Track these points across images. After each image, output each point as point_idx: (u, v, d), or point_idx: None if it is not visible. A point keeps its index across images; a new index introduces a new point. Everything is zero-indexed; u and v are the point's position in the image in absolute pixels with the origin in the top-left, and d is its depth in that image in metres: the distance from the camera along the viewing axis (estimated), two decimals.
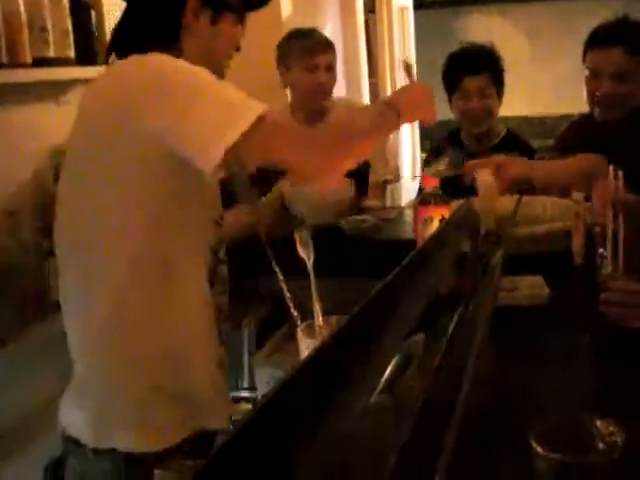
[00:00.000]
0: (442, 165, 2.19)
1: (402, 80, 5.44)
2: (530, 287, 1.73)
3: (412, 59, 5.54)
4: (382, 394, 0.86)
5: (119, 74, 1.49)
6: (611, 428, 0.86)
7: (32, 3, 2.28)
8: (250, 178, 2.41)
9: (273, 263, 1.32)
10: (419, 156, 4.89)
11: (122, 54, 1.51)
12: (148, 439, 1.46)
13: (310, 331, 1.35)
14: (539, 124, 6.44)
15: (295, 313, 1.20)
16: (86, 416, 1.49)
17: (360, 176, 2.68)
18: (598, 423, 0.87)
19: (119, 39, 1.59)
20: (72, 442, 1.52)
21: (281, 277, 1.25)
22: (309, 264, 1.26)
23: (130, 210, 1.43)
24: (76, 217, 1.49)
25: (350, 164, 1.55)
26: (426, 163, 3.12)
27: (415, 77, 1.93)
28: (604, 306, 1.41)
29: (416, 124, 5.45)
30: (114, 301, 1.45)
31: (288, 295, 1.22)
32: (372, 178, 2.87)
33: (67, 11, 2.43)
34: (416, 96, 1.77)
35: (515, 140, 2.98)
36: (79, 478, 1.54)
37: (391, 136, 2.56)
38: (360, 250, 2.36)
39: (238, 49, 1.66)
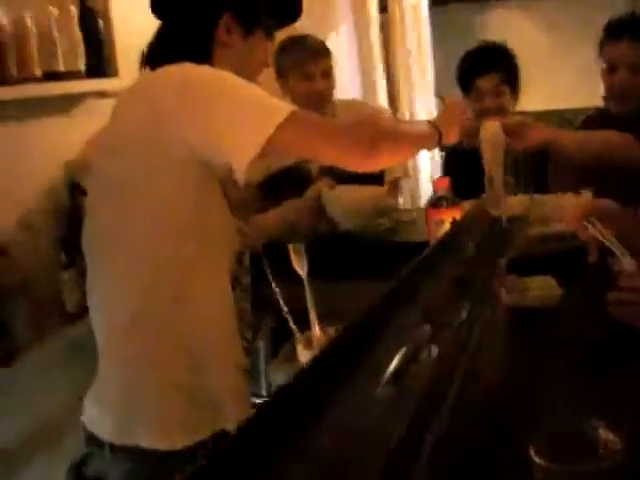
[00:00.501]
0: None
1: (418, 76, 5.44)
2: (541, 288, 1.71)
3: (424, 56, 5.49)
4: (386, 386, 0.86)
5: (152, 83, 1.54)
6: (611, 435, 0.85)
7: (41, 17, 2.30)
8: (284, 179, 2.44)
9: (268, 273, 1.33)
10: (438, 155, 4.86)
11: (155, 67, 1.56)
12: (167, 436, 1.49)
13: (308, 342, 1.35)
14: (558, 118, 6.39)
15: (292, 325, 1.20)
16: (108, 412, 1.53)
17: (375, 176, 2.66)
18: (599, 430, 0.86)
19: (153, 53, 1.63)
20: (94, 442, 1.55)
21: (276, 289, 1.25)
22: (303, 275, 1.27)
23: (157, 215, 1.47)
24: (105, 220, 1.54)
25: (387, 161, 1.67)
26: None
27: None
28: (612, 306, 1.40)
29: None
30: (138, 301, 1.49)
31: (284, 308, 1.22)
32: (387, 177, 2.86)
33: (76, 24, 2.44)
34: (455, 118, 1.88)
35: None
36: (99, 478, 1.57)
37: None
38: (376, 253, 2.35)
39: (267, 65, 1.74)
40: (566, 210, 1.83)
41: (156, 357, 1.51)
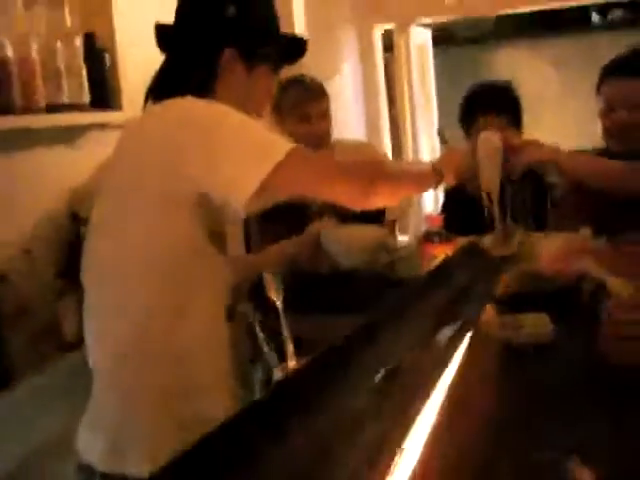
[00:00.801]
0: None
1: (422, 116, 5.47)
2: (534, 325, 1.72)
3: (429, 96, 5.54)
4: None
5: (154, 118, 1.57)
6: (586, 472, 0.85)
7: (46, 48, 2.33)
8: (282, 213, 2.45)
9: (247, 306, 1.35)
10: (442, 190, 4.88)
11: (159, 101, 1.59)
12: (155, 464, 1.48)
13: (284, 372, 1.36)
14: None
15: (268, 353, 1.21)
16: (100, 437, 1.53)
17: (376, 215, 2.67)
18: (574, 466, 0.86)
19: (157, 86, 1.66)
20: (84, 471, 1.55)
21: (252, 318, 1.26)
22: (279, 304, 1.28)
23: (153, 248, 1.49)
24: (104, 250, 1.56)
25: (385, 201, 1.70)
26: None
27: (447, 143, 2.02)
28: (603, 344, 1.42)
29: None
30: (132, 330, 1.50)
31: (262, 336, 1.23)
32: (387, 216, 2.86)
33: (81, 56, 2.48)
34: (455, 160, 1.93)
35: (534, 176, 2.96)
36: None
37: None
38: (374, 288, 2.35)
39: (272, 100, 1.74)
40: (544, 253, 1.86)
41: (149, 384, 1.51)
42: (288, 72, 2.95)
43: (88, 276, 1.60)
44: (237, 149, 1.44)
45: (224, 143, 1.44)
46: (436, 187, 1.84)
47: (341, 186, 1.56)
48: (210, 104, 1.54)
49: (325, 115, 2.84)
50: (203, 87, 1.60)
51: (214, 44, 1.62)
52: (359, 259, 2.37)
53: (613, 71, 2.42)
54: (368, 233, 2.40)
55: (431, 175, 1.80)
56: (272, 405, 0.80)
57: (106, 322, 1.56)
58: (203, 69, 1.62)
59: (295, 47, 1.77)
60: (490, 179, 2.01)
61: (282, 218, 2.42)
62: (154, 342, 1.50)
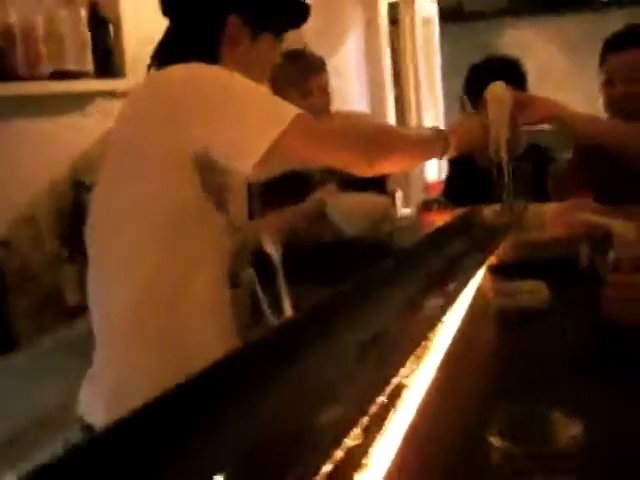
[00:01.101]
0: None
1: (427, 91, 5.46)
2: (531, 291, 1.73)
3: (433, 70, 5.52)
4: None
5: (160, 82, 1.56)
6: (571, 422, 0.87)
7: (49, 16, 2.34)
8: (286, 183, 2.46)
9: (250, 272, 1.36)
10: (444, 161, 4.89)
11: (162, 68, 1.58)
12: None
13: None
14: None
15: (266, 310, 1.22)
16: (102, 400, 1.54)
17: (378, 185, 2.68)
18: (559, 416, 0.88)
19: (161, 54, 1.65)
20: (87, 433, 1.57)
21: (254, 284, 1.28)
22: (277, 258, 1.29)
23: (156, 209, 1.50)
24: (107, 215, 1.56)
25: (392, 167, 1.68)
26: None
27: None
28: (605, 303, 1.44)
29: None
30: (136, 297, 1.51)
31: (264, 299, 1.24)
32: (389, 187, 2.87)
33: (85, 25, 2.49)
34: (470, 130, 1.90)
35: (538, 151, 2.96)
36: None
37: None
38: (375, 258, 2.36)
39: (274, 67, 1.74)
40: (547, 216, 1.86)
41: (150, 354, 1.52)
42: (290, 44, 2.96)
43: (92, 242, 1.61)
44: (244, 112, 1.44)
45: (230, 104, 1.44)
46: (443, 155, 1.82)
47: (347, 152, 1.57)
48: (215, 68, 1.54)
49: (325, 89, 2.83)
50: (207, 54, 1.59)
51: (218, 10, 1.61)
52: (362, 226, 2.38)
53: (612, 45, 2.43)
54: (371, 201, 2.40)
55: (438, 141, 1.78)
56: (250, 358, 0.81)
57: (109, 288, 1.56)
58: (207, 36, 1.61)
59: (298, 12, 1.75)
60: (499, 126, 2.00)
61: (284, 188, 2.43)
62: (158, 306, 1.51)
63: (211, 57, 1.59)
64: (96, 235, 1.60)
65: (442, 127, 5.61)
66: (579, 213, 1.78)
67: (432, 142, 1.79)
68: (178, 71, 1.51)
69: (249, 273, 1.63)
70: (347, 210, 2.35)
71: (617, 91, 2.37)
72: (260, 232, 2.10)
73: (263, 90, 1.51)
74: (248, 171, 1.44)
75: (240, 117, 1.43)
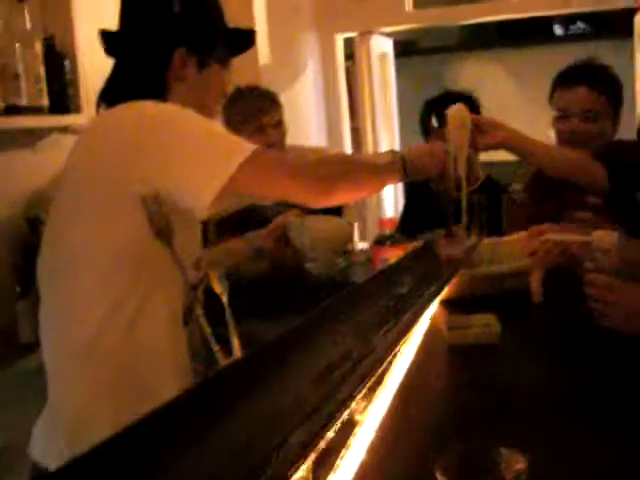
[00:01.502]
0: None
1: (383, 124, 5.51)
2: (482, 325, 1.76)
3: (390, 104, 5.58)
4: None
5: (114, 118, 1.53)
6: (515, 457, 0.88)
7: (4, 51, 2.33)
8: (241, 218, 2.45)
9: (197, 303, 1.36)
10: (401, 195, 4.92)
11: (113, 106, 1.56)
12: None
13: None
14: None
15: (216, 348, 1.22)
16: (59, 438, 1.51)
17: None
18: (503, 451, 0.89)
19: (109, 92, 1.63)
20: (39, 474, 1.54)
21: (200, 312, 1.28)
22: (225, 300, 1.29)
23: (109, 250, 1.47)
24: (60, 252, 1.53)
25: (347, 197, 1.66)
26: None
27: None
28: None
29: None
30: (92, 330, 1.48)
31: (208, 331, 1.24)
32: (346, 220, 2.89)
33: (40, 60, 2.48)
34: (430, 156, 1.85)
35: (493, 185, 3.00)
36: None
37: None
38: (329, 293, 2.37)
39: (225, 95, 1.73)
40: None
41: (108, 386, 1.50)
42: (244, 80, 2.98)
43: (45, 277, 1.58)
44: (195, 152, 1.43)
45: (181, 146, 1.43)
46: (400, 179, 1.79)
47: (301, 185, 1.56)
48: (166, 105, 1.53)
49: (278, 125, 2.85)
50: (156, 90, 1.58)
51: (164, 45, 1.60)
52: (325, 250, 2.38)
53: (562, 82, 2.49)
54: (334, 225, 2.40)
55: (395, 165, 1.75)
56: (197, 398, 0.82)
57: (61, 327, 1.54)
58: (154, 72, 1.60)
59: (243, 38, 1.75)
60: (458, 146, 2.03)
61: (239, 221, 2.43)
62: (110, 347, 1.49)
63: (160, 92, 1.58)
64: (46, 272, 1.58)
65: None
66: (546, 236, 1.82)
67: (386, 167, 1.76)
68: (128, 111, 1.50)
69: (200, 309, 1.62)
70: (309, 234, 2.34)
71: (568, 127, 2.42)
72: (225, 257, 2.10)
73: (215, 128, 1.51)
74: (203, 212, 1.43)
75: (192, 158, 1.42)
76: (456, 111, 2.07)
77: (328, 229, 2.39)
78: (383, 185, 1.81)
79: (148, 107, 1.50)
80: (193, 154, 1.43)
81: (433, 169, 1.86)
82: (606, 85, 2.43)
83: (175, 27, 1.61)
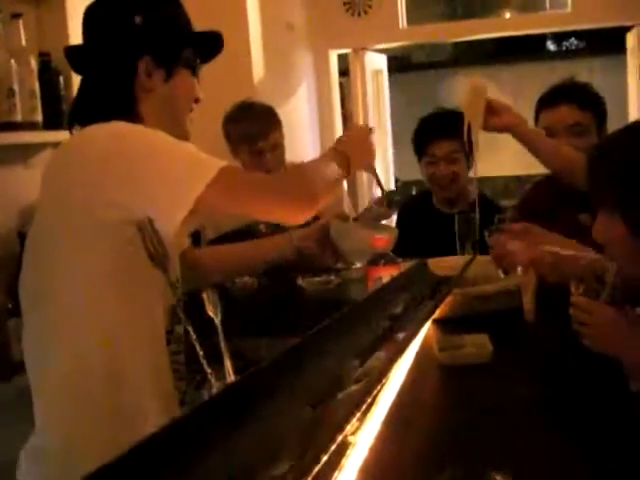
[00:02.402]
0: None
1: (376, 140, 5.53)
2: (475, 345, 1.76)
3: (384, 120, 5.60)
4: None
5: (79, 144, 1.52)
6: None
7: (0, 68, 2.33)
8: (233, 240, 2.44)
9: (184, 321, 1.35)
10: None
11: (84, 125, 1.54)
12: None
13: None
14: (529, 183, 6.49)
15: (209, 370, 1.22)
16: (48, 465, 1.50)
17: None
18: (495, 476, 0.90)
19: (79, 111, 1.61)
20: None
21: (193, 334, 1.27)
22: (217, 321, 1.29)
23: (90, 273, 1.46)
24: (36, 277, 1.52)
25: (315, 206, 1.61)
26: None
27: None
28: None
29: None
30: (72, 358, 1.46)
31: (201, 353, 1.24)
32: None
33: (35, 75, 2.49)
34: (361, 143, 1.86)
35: (487, 204, 3.01)
36: None
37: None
38: (322, 311, 2.36)
39: (197, 101, 1.68)
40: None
41: (94, 411, 1.48)
42: (240, 96, 2.99)
43: (25, 303, 1.56)
44: (163, 173, 1.42)
45: (148, 167, 1.42)
46: (348, 172, 1.76)
47: (276, 202, 1.55)
48: (134, 128, 1.51)
49: (276, 146, 2.85)
50: (124, 103, 1.56)
51: (127, 57, 1.57)
52: (367, 255, 2.34)
53: (546, 102, 2.51)
54: (379, 230, 2.35)
55: (342, 164, 1.73)
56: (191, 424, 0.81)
57: (45, 352, 1.51)
58: (121, 86, 1.57)
59: (210, 43, 1.71)
60: (471, 123, 2.11)
61: (231, 242, 2.43)
62: (94, 371, 1.47)
63: (128, 105, 1.57)
64: (28, 297, 1.55)
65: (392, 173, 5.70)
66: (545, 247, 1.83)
67: (337, 162, 1.73)
68: (95, 136, 1.48)
69: (182, 327, 1.61)
70: (355, 239, 2.30)
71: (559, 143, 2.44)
72: (264, 255, 2.07)
73: (182, 148, 1.47)
74: (172, 234, 1.42)
75: (157, 180, 1.41)
76: (477, 82, 2.24)
77: (372, 234, 2.36)
78: (340, 181, 1.80)
79: (113, 130, 1.48)
80: (158, 176, 1.41)
81: (367, 157, 1.89)
82: (588, 101, 2.46)
83: (137, 38, 1.58)
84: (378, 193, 2.19)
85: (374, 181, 2.14)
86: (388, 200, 2.15)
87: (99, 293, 1.46)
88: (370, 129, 1.95)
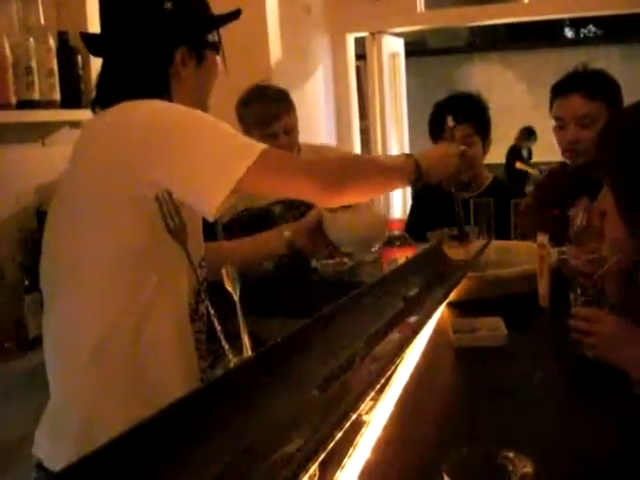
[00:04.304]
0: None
1: (392, 124, 5.52)
2: (489, 329, 1.76)
3: (400, 104, 5.58)
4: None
5: (119, 119, 1.51)
6: (523, 461, 0.89)
7: (18, 46, 2.35)
8: (250, 220, 2.46)
9: (206, 300, 1.36)
10: (410, 196, 4.93)
11: (106, 107, 1.54)
12: None
13: None
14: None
15: (226, 346, 1.23)
16: (64, 444, 1.51)
17: None
18: (509, 455, 0.90)
19: (105, 93, 1.60)
20: (44, 474, 1.54)
21: (212, 310, 1.28)
22: (236, 297, 1.29)
23: (113, 251, 1.47)
24: (64, 254, 1.52)
25: (356, 197, 1.68)
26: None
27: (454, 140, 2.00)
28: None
29: None
30: (98, 336, 1.48)
31: (219, 329, 1.25)
32: None
33: (54, 54, 2.50)
34: (443, 159, 1.87)
35: (501, 188, 3.01)
36: None
37: None
38: (336, 293, 2.37)
39: (217, 75, 1.69)
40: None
41: (117, 386, 1.50)
42: (257, 78, 2.98)
43: (47, 281, 1.57)
44: (205, 153, 1.42)
45: (191, 147, 1.42)
46: (411, 182, 1.78)
47: (310, 184, 1.56)
48: (175, 106, 1.52)
49: (290, 129, 2.85)
50: (156, 90, 1.57)
51: (166, 46, 1.59)
52: (359, 243, 2.36)
53: (558, 91, 2.50)
54: (369, 218, 2.37)
55: (406, 168, 1.76)
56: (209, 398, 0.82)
57: (68, 331, 1.53)
58: (157, 72, 1.59)
59: (230, 19, 1.70)
60: None
61: (246, 224, 2.44)
62: (118, 348, 1.48)
63: (161, 91, 1.57)
64: (50, 278, 1.56)
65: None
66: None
67: (399, 168, 1.76)
68: (136, 111, 1.48)
69: (205, 307, 1.62)
70: (346, 227, 2.31)
71: (564, 136, 2.45)
72: (255, 251, 2.09)
73: (224, 129, 1.48)
74: (211, 214, 1.43)
75: (200, 161, 1.42)
76: None
77: (363, 222, 2.38)
78: (394, 187, 1.82)
79: (157, 108, 1.49)
80: (201, 157, 1.42)
81: (446, 173, 1.87)
82: (601, 89, 2.44)
83: (170, 25, 1.59)
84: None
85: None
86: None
87: (127, 268, 1.48)
88: (462, 151, 1.95)
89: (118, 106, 1.50)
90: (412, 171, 1.75)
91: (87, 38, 1.69)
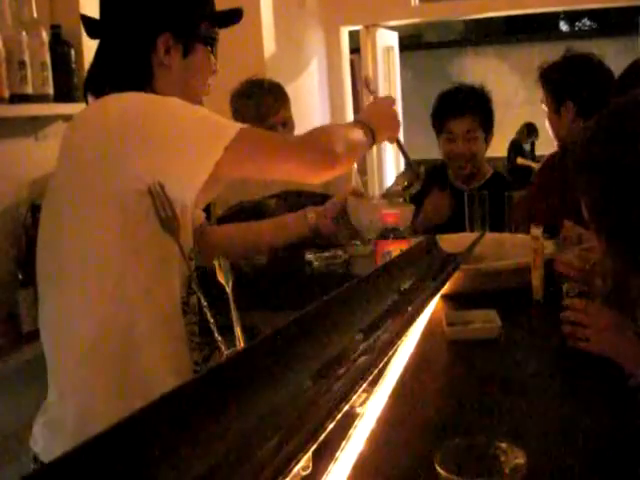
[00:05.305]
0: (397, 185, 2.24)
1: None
2: (483, 321, 1.76)
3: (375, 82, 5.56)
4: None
5: (97, 114, 1.52)
6: (515, 451, 0.89)
7: (11, 40, 2.34)
8: (243, 213, 2.45)
9: (198, 292, 1.36)
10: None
11: (98, 95, 1.54)
12: None
13: None
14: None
15: (219, 338, 1.23)
16: (61, 438, 1.51)
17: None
18: (501, 445, 0.90)
19: (94, 80, 1.61)
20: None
21: (204, 303, 1.28)
22: (229, 289, 1.29)
23: (108, 246, 1.47)
24: (54, 249, 1.53)
25: (343, 168, 1.62)
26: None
27: (377, 92, 1.97)
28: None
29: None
30: (92, 330, 1.48)
31: (212, 321, 1.25)
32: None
33: (46, 48, 2.49)
34: (386, 115, 1.84)
35: (501, 181, 3.01)
36: None
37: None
38: (330, 286, 2.37)
39: (213, 72, 1.67)
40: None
41: (113, 380, 1.50)
42: (250, 72, 2.98)
43: (43, 275, 1.57)
44: (181, 139, 1.42)
45: (166, 135, 1.42)
46: (371, 147, 1.78)
47: (293, 161, 1.55)
48: (148, 96, 1.51)
49: (285, 122, 2.85)
50: (140, 78, 1.56)
51: (148, 31, 1.57)
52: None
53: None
54: (395, 206, 2.35)
55: (367, 134, 1.73)
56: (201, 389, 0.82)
57: (63, 325, 1.53)
58: (138, 58, 1.57)
59: (227, 16, 1.69)
60: None
61: (240, 219, 2.44)
62: (110, 346, 1.49)
63: (144, 78, 1.57)
64: (45, 272, 1.56)
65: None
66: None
67: (359, 130, 1.72)
68: (113, 106, 1.48)
69: (196, 298, 1.62)
70: (370, 214, 2.30)
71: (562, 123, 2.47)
72: (280, 233, 2.09)
73: (198, 113, 1.47)
74: (191, 200, 1.44)
75: (176, 147, 1.42)
76: None
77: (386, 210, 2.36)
78: (364, 151, 1.79)
79: (131, 101, 1.48)
80: (177, 143, 1.42)
81: (393, 133, 1.88)
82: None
83: (157, 12, 1.58)
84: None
85: (399, 153, 2.12)
86: (415, 171, 2.11)
87: (117, 262, 1.47)
88: (393, 100, 1.93)
89: (100, 100, 1.51)
90: (367, 132, 1.73)
91: (86, 21, 1.69)
